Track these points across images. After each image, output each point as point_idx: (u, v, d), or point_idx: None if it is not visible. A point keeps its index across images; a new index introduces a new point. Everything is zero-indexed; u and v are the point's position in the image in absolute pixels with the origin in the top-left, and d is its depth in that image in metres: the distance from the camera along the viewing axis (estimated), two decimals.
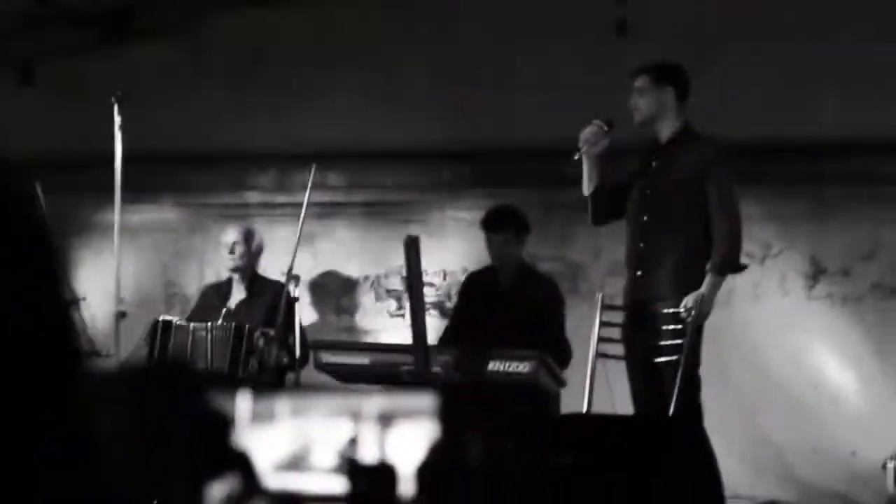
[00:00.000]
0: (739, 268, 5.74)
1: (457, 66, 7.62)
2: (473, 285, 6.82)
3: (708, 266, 5.56)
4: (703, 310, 5.50)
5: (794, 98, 7.19)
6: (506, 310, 6.46)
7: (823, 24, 7.23)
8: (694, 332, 5.45)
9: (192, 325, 6.56)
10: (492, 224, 6.55)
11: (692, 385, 5.50)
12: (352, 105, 7.76)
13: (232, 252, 6.91)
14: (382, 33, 7.78)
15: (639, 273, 5.73)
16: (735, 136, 7.03)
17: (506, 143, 7.52)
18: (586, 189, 5.83)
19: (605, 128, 5.70)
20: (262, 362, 6.39)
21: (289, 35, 7.91)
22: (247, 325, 6.49)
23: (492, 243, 6.55)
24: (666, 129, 5.76)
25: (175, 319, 6.65)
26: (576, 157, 5.70)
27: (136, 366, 5.66)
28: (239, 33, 7.99)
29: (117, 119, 6.01)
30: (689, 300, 5.48)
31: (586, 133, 5.70)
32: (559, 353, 6.20)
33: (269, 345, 6.41)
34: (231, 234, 6.96)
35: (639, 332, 5.67)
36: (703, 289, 5.51)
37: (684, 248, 5.63)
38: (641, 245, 5.75)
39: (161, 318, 6.66)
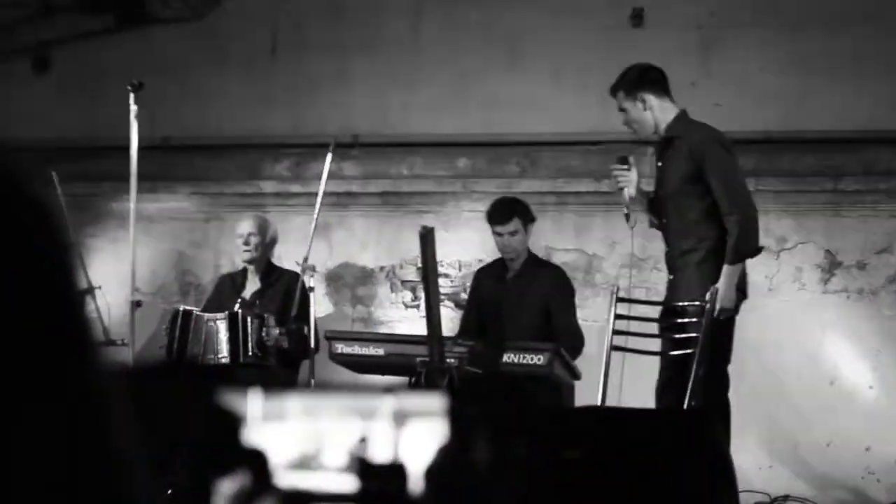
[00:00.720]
0: (755, 252, 5.71)
1: (468, 55, 7.60)
2: (483, 277, 6.82)
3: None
4: (723, 303, 5.47)
5: (810, 89, 7.17)
6: (515, 300, 6.47)
7: (841, 15, 7.20)
8: (710, 326, 5.42)
9: (206, 315, 6.56)
10: (495, 217, 6.55)
11: (715, 380, 5.48)
12: (368, 94, 7.75)
13: (247, 244, 6.90)
14: (394, 21, 7.77)
15: (670, 277, 5.75)
16: (751, 128, 7.02)
17: (520, 134, 7.51)
18: (655, 220, 5.87)
19: (626, 167, 5.74)
20: (261, 343, 6.39)
21: (305, 22, 7.90)
22: (244, 314, 6.50)
23: (497, 236, 6.54)
24: (662, 128, 5.78)
25: (195, 310, 6.65)
26: (625, 213, 5.74)
27: (149, 361, 5.67)
28: (255, 20, 7.99)
29: (133, 107, 6.00)
30: (707, 295, 5.47)
31: (612, 184, 5.77)
32: (571, 340, 6.20)
33: (268, 327, 6.42)
34: (245, 226, 6.95)
35: (663, 330, 5.67)
36: (720, 281, 5.50)
37: (704, 250, 5.61)
38: (668, 249, 5.78)
39: (181, 307, 6.66)
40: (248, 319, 6.41)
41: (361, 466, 1.60)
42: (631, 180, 5.72)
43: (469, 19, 7.66)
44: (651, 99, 5.73)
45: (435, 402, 1.66)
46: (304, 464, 1.66)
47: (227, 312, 6.49)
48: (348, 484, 1.61)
